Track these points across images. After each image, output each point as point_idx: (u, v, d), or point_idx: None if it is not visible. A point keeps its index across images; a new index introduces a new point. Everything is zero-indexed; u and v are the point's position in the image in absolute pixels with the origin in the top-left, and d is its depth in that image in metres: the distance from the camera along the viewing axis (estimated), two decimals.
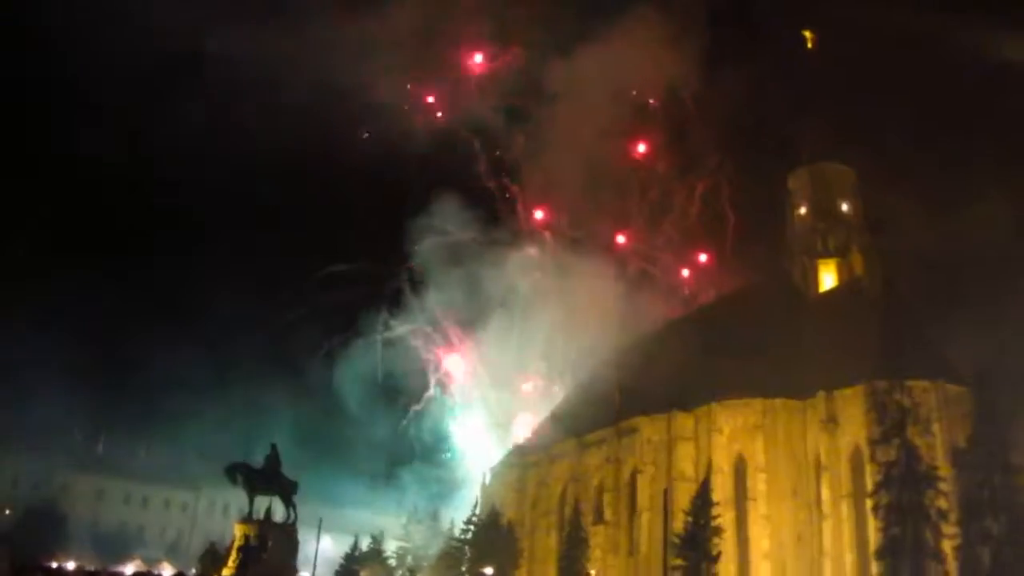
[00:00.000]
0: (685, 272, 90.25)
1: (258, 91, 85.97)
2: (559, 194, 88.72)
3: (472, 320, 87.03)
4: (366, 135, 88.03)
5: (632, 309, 78.43)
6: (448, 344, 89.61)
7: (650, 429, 58.40)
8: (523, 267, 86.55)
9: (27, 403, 72.39)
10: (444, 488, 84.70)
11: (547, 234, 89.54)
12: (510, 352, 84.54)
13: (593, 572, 57.06)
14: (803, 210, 69.76)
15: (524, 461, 74.54)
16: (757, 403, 53.57)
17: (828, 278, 65.47)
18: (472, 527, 63.30)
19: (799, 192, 70.57)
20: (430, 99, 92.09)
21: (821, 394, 51.32)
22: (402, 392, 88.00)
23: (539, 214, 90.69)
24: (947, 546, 38.58)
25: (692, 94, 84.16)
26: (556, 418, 77.24)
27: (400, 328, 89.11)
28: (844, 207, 68.35)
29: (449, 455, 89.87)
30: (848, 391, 49.69)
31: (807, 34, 75.29)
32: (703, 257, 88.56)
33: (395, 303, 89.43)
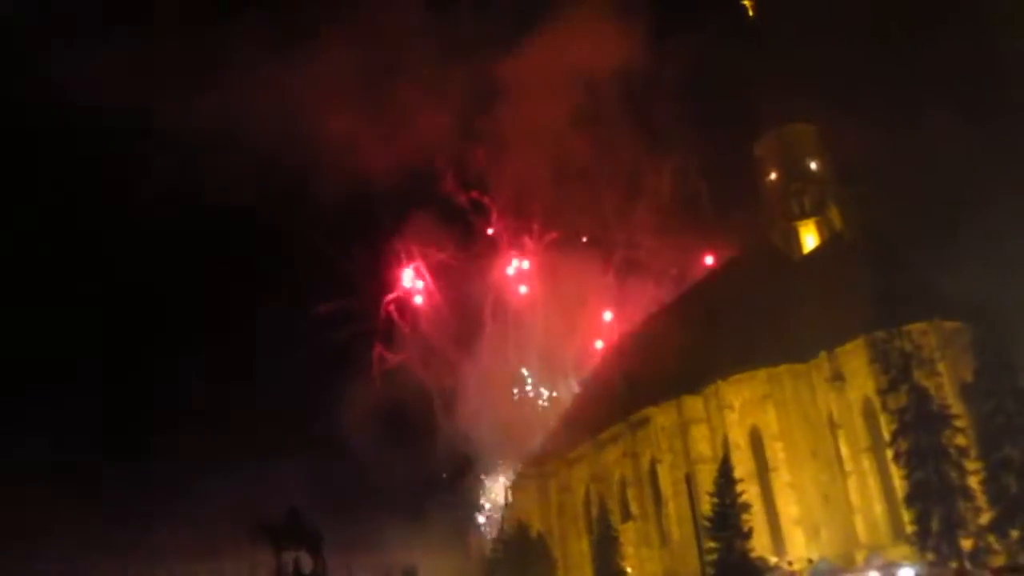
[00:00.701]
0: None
1: (215, 142, 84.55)
2: (530, 196, 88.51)
3: (467, 337, 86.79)
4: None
5: (625, 298, 78.42)
6: (448, 365, 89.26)
7: (662, 417, 58.40)
8: (507, 275, 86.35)
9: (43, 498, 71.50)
10: (470, 511, 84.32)
11: (526, 239, 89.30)
12: (509, 362, 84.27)
13: (629, 569, 56.87)
14: (773, 175, 70.02)
15: (543, 470, 74.34)
16: (762, 373, 53.64)
17: (810, 239, 65.70)
18: (502, 545, 63.01)
19: (766, 158, 70.83)
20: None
21: (823, 354, 51.45)
22: (411, 421, 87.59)
23: (513, 220, 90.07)
24: (973, 481, 38.66)
25: (644, 72, 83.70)
26: (567, 422, 77.14)
27: (397, 358, 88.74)
28: (813, 165, 68.65)
29: (470, 476, 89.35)
30: (849, 346, 49.81)
31: (746, 2, 75.70)
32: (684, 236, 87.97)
33: (387, 336, 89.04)
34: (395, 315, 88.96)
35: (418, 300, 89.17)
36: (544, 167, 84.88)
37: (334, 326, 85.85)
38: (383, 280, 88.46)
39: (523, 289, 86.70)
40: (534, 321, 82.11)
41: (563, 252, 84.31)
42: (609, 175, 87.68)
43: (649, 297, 79.76)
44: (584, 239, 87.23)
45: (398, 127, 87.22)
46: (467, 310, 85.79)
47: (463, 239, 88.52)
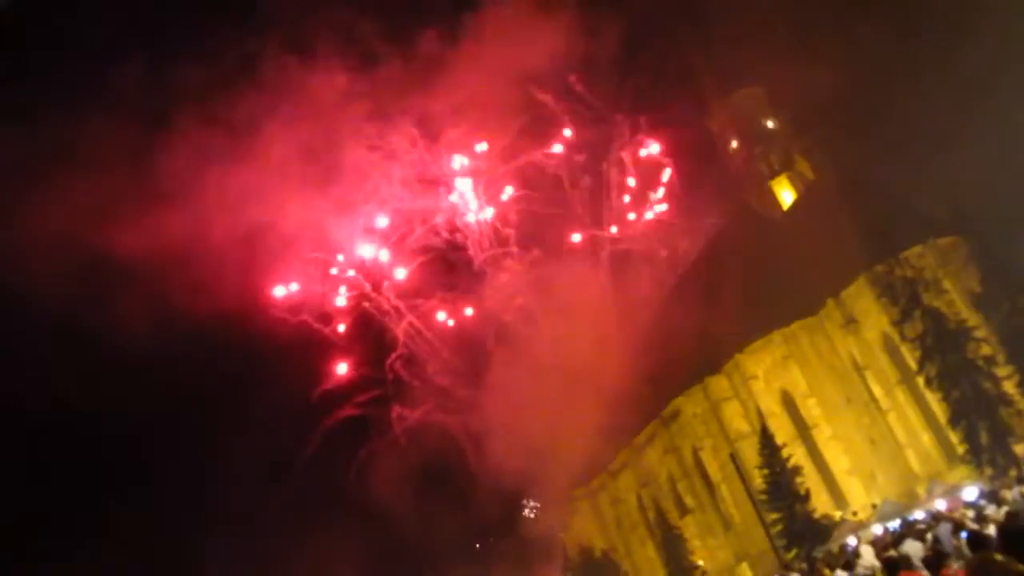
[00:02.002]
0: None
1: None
2: (502, 216, 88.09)
3: (477, 371, 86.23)
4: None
5: (623, 292, 78.11)
6: (467, 406, 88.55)
7: (691, 405, 58.26)
8: (499, 299, 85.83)
9: None
10: (534, 543, 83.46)
11: (508, 260, 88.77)
12: (525, 383, 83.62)
13: (701, 562, 56.41)
14: (735, 143, 70.57)
15: (590, 489, 73.89)
16: (776, 336, 53.68)
17: (786, 194, 66.09)
18: (570, 573, 62.48)
19: (723, 129, 71.43)
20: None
21: (830, 302, 51.52)
22: (450, 472, 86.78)
23: (491, 246, 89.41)
24: (1009, 387, 38.67)
25: (582, 62, 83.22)
26: (601, 433, 76.69)
27: (416, 414, 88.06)
28: (770, 124, 69.24)
29: (522, 509, 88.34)
30: (853, 288, 49.91)
31: None
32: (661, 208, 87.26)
33: (398, 393, 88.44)
34: (402, 372, 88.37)
35: (416, 353, 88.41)
36: (508, 181, 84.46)
37: (342, 402, 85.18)
38: (381, 341, 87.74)
39: (517, 307, 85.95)
40: (537, 336, 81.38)
41: (549, 264, 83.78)
42: (572, 175, 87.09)
43: (645, 284, 79.28)
44: (566, 245, 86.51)
45: (352, 193, 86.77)
46: (470, 345, 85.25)
47: (447, 279, 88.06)
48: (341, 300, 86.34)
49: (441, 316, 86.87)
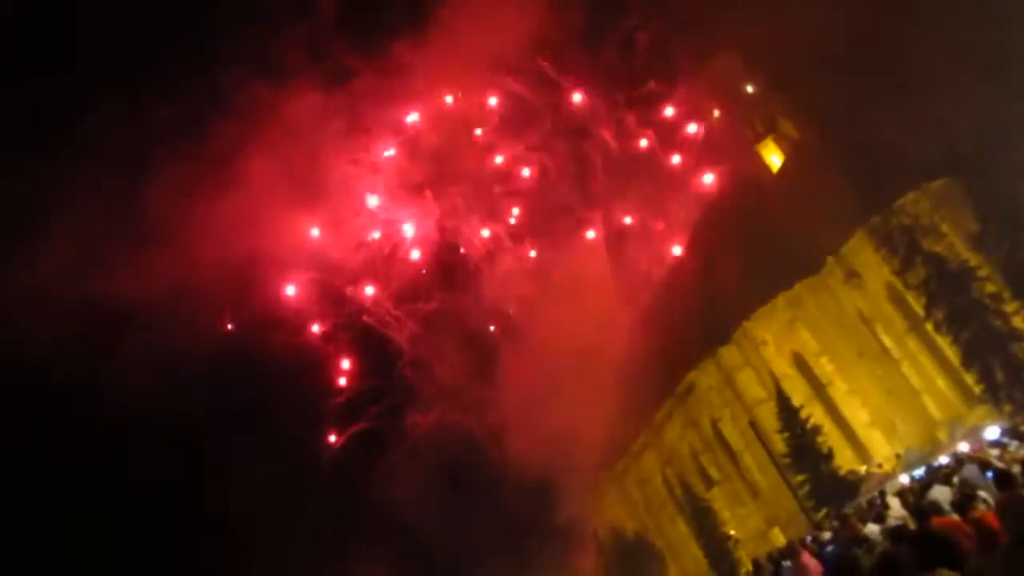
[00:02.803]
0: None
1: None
2: (493, 217, 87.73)
3: (486, 367, 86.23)
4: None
5: (622, 269, 78.00)
6: (481, 401, 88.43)
7: (705, 377, 58.33)
8: (499, 291, 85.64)
9: None
10: (566, 533, 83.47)
11: (502, 253, 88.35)
12: (536, 375, 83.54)
13: (733, 532, 56.52)
14: (716, 112, 70.48)
15: (615, 473, 74.02)
16: (780, 300, 53.72)
17: (774, 158, 65.97)
18: (605, 558, 62.65)
19: (703, 98, 71.32)
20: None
21: (830, 259, 51.53)
22: (473, 473, 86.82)
23: (484, 243, 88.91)
24: (1018, 322, 38.69)
25: (551, 47, 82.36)
26: (619, 415, 76.77)
27: (430, 417, 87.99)
28: (749, 89, 69.05)
29: (552, 500, 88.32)
30: (851, 243, 49.90)
31: None
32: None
33: (410, 400, 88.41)
34: (411, 379, 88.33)
35: (423, 358, 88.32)
36: (491, 179, 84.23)
37: (355, 418, 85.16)
38: (387, 355, 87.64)
39: (521, 301, 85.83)
40: (543, 327, 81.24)
41: (545, 251, 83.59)
42: (556, 162, 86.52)
43: (644, 258, 79.12)
44: (560, 231, 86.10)
45: (341, 209, 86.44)
46: (476, 342, 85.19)
47: (445, 281, 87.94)
48: (341, 317, 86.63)
49: (443, 316, 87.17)
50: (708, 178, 73.72)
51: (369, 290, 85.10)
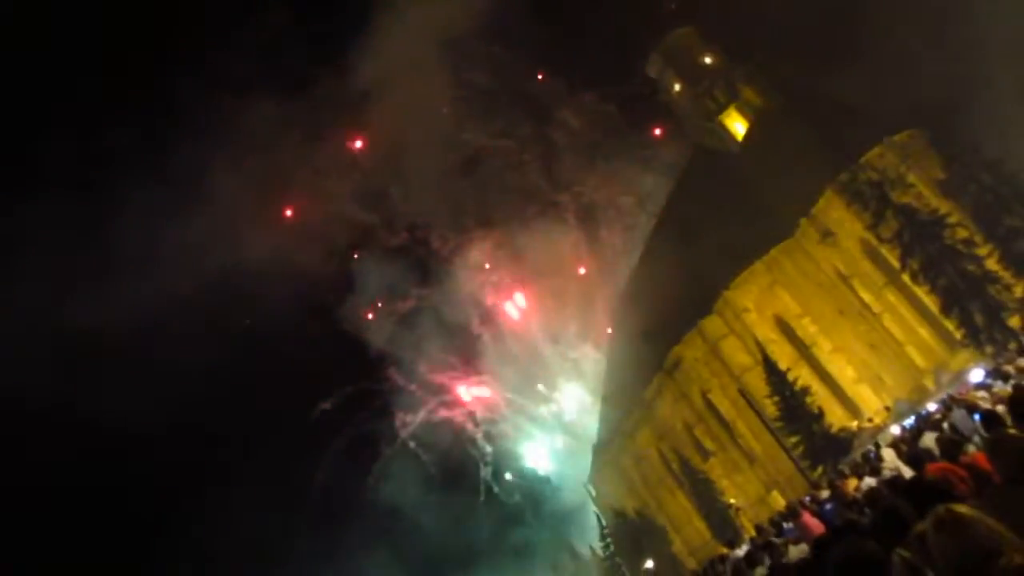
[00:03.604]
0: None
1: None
2: (460, 209, 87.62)
3: (471, 362, 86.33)
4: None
5: (597, 245, 78.02)
6: (466, 398, 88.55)
7: (691, 349, 58.54)
8: (474, 280, 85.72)
9: None
10: (566, 520, 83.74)
11: (478, 247, 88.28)
12: (525, 367, 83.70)
13: (733, 500, 56.86)
14: (677, 87, 70.59)
15: (610, 452, 74.24)
16: (758, 266, 54.01)
17: (738, 126, 66.18)
18: (608, 538, 62.85)
19: (663, 75, 71.45)
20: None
21: (803, 221, 51.85)
22: (462, 466, 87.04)
23: (456, 234, 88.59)
24: (992, 263, 39.10)
25: (502, 34, 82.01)
26: (608, 399, 77.07)
27: (418, 416, 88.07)
28: (708, 60, 69.24)
29: (552, 485, 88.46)
30: (821, 202, 50.25)
31: None
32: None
33: (399, 399, 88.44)
34: (397, 380, 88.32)
35: (406, 357, 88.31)
36: (456, 180, 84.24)
37: (343, 424, 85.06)
38: (371, 354, 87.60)
39: (498, 296, 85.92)
40: (523, 308, 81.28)
41: (518, 235, 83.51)
42: (524, 142, 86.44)
43: (618, 232, 79.21)
44: (530, 215, 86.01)
45: (308, 216, 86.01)
46: (459, 336, 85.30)
47: (420, 278, 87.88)
48: (320, 325, 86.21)
49: (421, 312, 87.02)
50: (670, 148, 73.92)
51: (347, 302, 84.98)
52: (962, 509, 4.13)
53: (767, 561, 14.32)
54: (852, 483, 16.98)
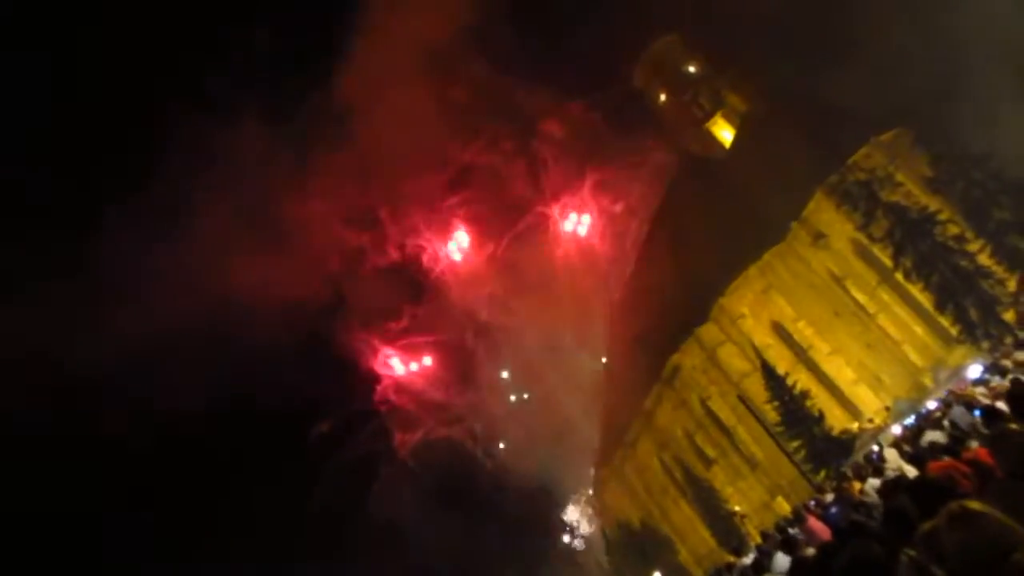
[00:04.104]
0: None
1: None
2: (445, 222, 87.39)
3: (467, 375, 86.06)
4: None
5: (589, 254, 77.91)
6: (466, 411, 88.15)
7: (689, 358, 58.47)
8: (467, 296, 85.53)
9: None
10: (571, 533, 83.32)
11: (465, 261, 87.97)
12: (522, 380, 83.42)
13: (737, 507, 56.66)
14: (663, 96, 70.90)
15: (613, 465, 73.99)
16: (752, 271, 54.05)
17: (726, 133, 66.48)
18: (614, 549, 62.58)
19: (649, 84, 71.77)
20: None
21: (794, 224, 51.95)
22: (470, 484, 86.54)
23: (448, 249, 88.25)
24: (983, 258, 39.19)
25: (485, 52, 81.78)
26: (607, 410, 76.90)
27: (417, 435, 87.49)
28: (692, 68, 69.60)
29: (555, 499, 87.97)
30: (811, 205, 50.37)
31: None
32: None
33: (396, 421, 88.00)
34: (394, 400, 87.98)
35: (403, 369, 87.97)
36: (440, 185, 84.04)
37: (341, 446, 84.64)
38: (364, 373, 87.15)
39: (486, 306, 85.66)
40: (518, 322, 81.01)
41: (510, 248, 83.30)
42: (510, 156, 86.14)
43: (609, 240, 79.17)
44: (520, 229, 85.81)
45: (299, 244, 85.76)
46: (453, 351, 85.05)
47: (412, 295, 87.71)
48: (314, 348, 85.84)
49: (415, 333, 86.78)
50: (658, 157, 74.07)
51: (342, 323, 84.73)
52: (974, 505, 4.08)
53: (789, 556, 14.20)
54: (856, 485, 16.90)
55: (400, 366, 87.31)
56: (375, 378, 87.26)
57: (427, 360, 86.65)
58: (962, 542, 3.92)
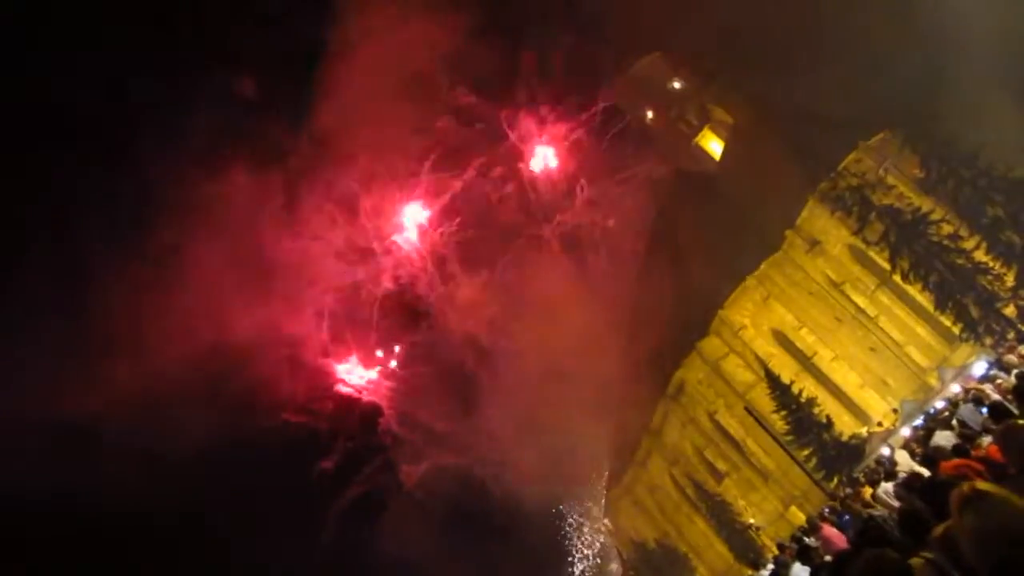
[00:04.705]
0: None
1: None
2: (440, 250, 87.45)
3: (470, 402, 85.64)
4: None
5: (585, 273, 77.86)
6: (472, 437, 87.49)
7: (693, 372, 58.37)
8: (470, 332, 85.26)
9: None
10: (586, 556, 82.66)
11: (460, 287, 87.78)
12: (526, 403, 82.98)
13: (752, 520, 56.29)
14: (649, 114, 71.27)
15: (624, 485, 73.59)
16: (750, 282, 54.08)
17: (714, 145, 66.71)
18: (631, 571, 62.06)
19: (634, 104, 72.15)
20: None
21: (789, 233, 52.04)
22: (482, 512, 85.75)
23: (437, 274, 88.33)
24: (980, 255, 39.25)
25: (466, 74, 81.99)
26: (614, 430, 76.52)
27: (422, 466, 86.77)
28: (676, 84, 69.98)
29: (568, 522, 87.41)
30: (804, 213, 50.49)
31: None
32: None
33: (401, 453, 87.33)
34: (398, 432, 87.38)
35: (405, 398, 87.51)
36: (432, 213, 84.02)
37: (348, 483, 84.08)
38: (367, 412, 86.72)
39: (483, 322, 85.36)
40: (517, 346, 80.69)
41: (506, 275, 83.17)
42: (494, 187, 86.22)
43: (603, 258, 79.17)
44: (513, 251, 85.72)
45: (293, 283, 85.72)
46: (455, 379, 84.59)
47: (409, 325, 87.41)
48: (316, 390, 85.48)
49: (415, 363, 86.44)
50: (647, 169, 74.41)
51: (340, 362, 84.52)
52: (986, 486, 3.99)
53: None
54: (868, 491, 16.84)
55: (401, 396, 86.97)
56: (377, 411, 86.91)
57: (428, 388, 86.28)
58: (977, 526, 3.81)
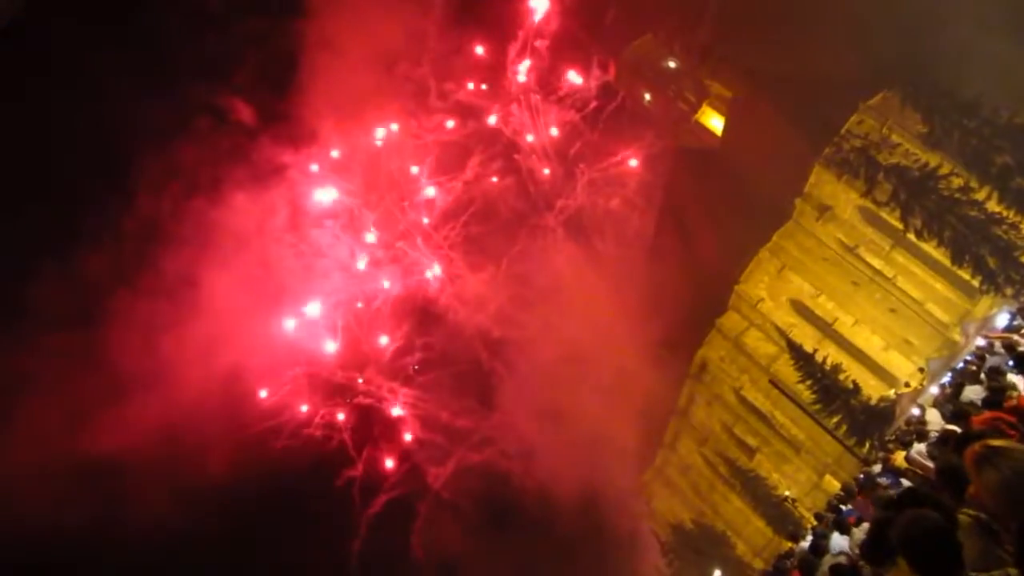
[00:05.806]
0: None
1: None
2: (453, 250, 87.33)
3: (490, 400, 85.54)
4: None
5: (594, 257, 77.64)
6: (495, 433, 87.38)
7: (714, 350, 58.21)
8: (482, 327, 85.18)
9: None
10: (623, 543, 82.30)
11: (475, 291, 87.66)
12: (546, 393, 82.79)
13: (787, 492, 56.06)
14: (647, 96, 70.99)
15: (656, 469, 73.41)
16: (763, 254, 53.89)
17: (715, 121, 66.40)
18: (671, 554, 62.02)
19: (631, 87, 71.86)
20: None
21: (797, 201, 51.78)
22: (504, 506, 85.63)
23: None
24: (992, 205, 38.94)
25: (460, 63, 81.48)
26: (641, 414, 76.18)
27: (448, 467, 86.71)
28: (672, 64, 69.69)
29: (600, 509, 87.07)
30: (812, 179, 50.19)
31: None
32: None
33: (425, 457, 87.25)
34: (420, 436, 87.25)
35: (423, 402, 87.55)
36: (434, 212, 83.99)
37: (376, 493, 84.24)
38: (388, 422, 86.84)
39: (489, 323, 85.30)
40: (532, 336, 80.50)
41: (513, 264, 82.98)
42: (499, 173, 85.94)
43: (610, 240, 78.90)
44: (517, 245, 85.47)
45: (299, 299, 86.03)
46: (471, 376, 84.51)
47: (420, 326, 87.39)
48: (334, 406, 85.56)
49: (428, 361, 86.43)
50: (633, 162, 73.88)
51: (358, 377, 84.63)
52: (997, 442, 3.93)
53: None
54: (899, 453, 16.72)
55: (421, 399, 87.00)
56: (397, 417, 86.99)
57: (448, 388, 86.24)
58: (998, 480, 3.76)
